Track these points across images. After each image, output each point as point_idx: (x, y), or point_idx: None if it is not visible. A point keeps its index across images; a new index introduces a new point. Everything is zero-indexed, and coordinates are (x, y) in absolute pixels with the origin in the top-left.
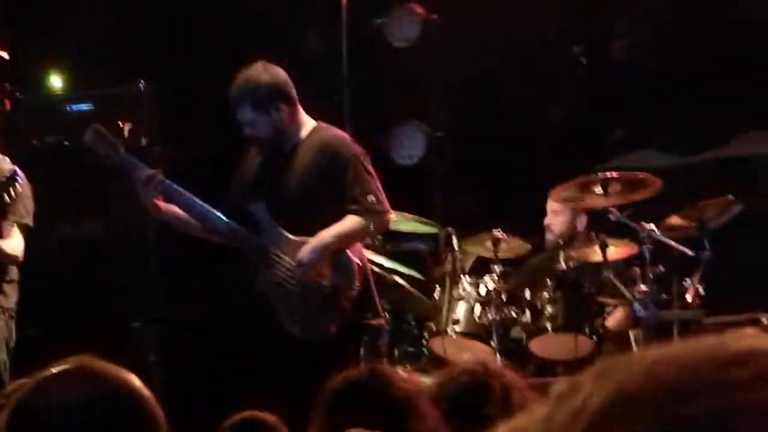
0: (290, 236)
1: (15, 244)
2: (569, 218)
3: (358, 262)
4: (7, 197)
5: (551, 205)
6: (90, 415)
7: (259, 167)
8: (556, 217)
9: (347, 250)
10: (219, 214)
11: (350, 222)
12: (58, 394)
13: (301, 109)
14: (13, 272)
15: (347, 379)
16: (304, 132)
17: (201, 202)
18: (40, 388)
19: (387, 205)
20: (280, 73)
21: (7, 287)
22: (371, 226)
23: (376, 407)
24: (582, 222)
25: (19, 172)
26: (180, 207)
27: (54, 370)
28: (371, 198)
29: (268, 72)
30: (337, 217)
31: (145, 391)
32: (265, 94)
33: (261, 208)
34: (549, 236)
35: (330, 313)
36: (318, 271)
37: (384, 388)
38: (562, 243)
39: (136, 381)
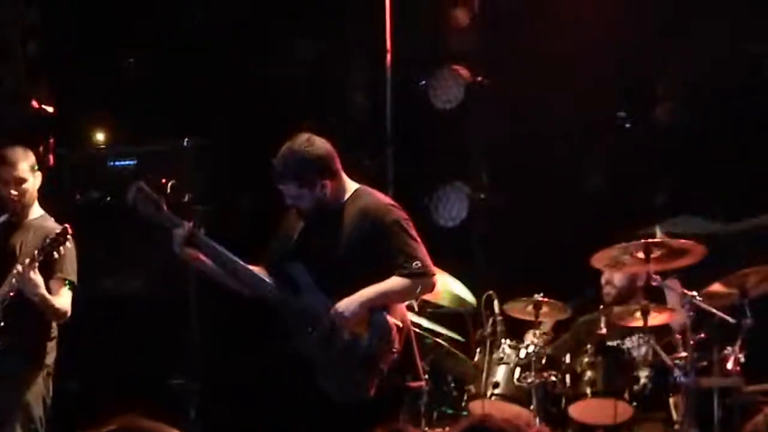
0: (328, 299)
1: (63, 301)
2: (630, 272)
3: (399, 324)
4: (55, 253)
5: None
6: None
7: (301, 230)
8: (616, 272)
9: (386, 314)
10: (260, 274)
11: (393, 281)
12: None
13: (343, 175)
14: (54, 330)
15: None
16: (346, 196)
17: (240, 261)
18: None
19: (432, 267)
20: (325, 147)
21: (48, 345)
22: (418, 289)
23: None
24: (642, 277)
25: (69, 230)
26: (218, 264)
27: (103, 430)
28: (416, 264)
29: (313, 146)
30: (378, 282)
31: None
32: (309, 171)
33: (300, 269)
34: (609, 290)
35: (368, 376)
36: (355, 325)
37: None
38: (621, 298)
39: None
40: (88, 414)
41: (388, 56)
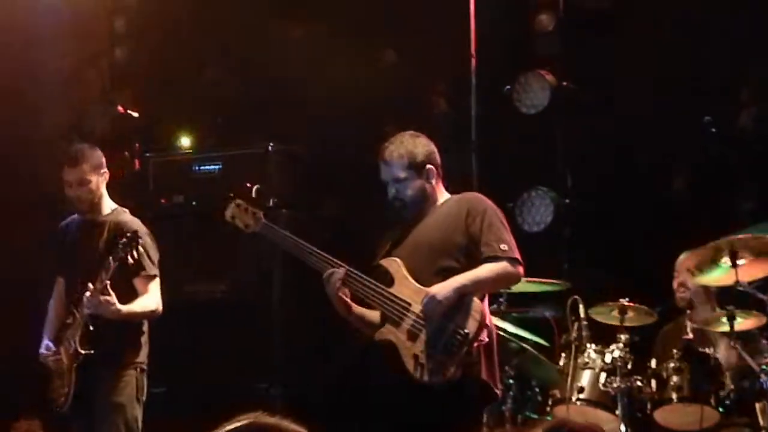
0: (420, 286)
1: (151, 299)
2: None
3: (488, 323)
4: (130, 258)
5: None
6: None
7: (398, 231)
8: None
9: (479, 300)
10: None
11: (483, 268)
12: None
13: (441, 183)
14: (144, 326)
15: None
16: (442, 200)
17: (333, 259)
18: None
19: (519, 256)
20: (432, 144)
21: (139, 342)
22: (507, 276)
23: None
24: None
25: (139, 232)
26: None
27: (229, 426)
28: (504, 246)
29: (422, 137)
30: (471, 269)
31: None
32: (421, 155)
33: (394, 261)
34: (683, 294)
35: (455, 357)
36: (447, 309)
37: None
38: (696, 303)
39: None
40: (175, 418)
41: (473, 61)
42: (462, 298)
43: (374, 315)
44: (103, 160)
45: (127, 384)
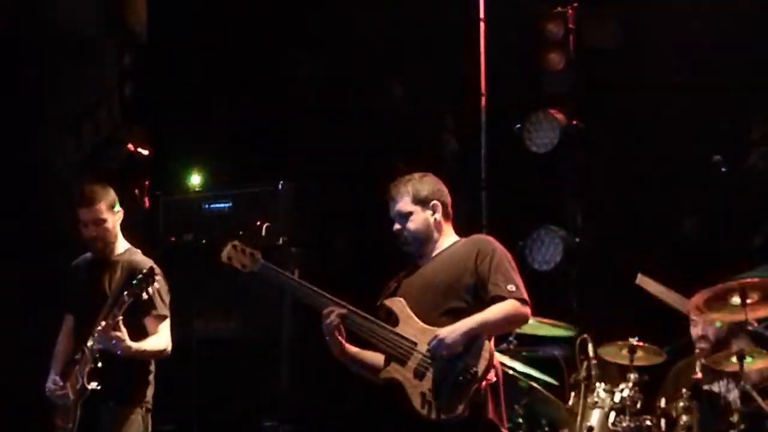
0: (426, 326)
1: (160, 339)
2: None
3: (495, 362)
4: (144, 294)
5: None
6: None
7: (404, 273)
8: (710, 326)
9: (487, 340)
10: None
11: (491, 309)
12: None
13: (450, 225)
14: (152, 365)
15: None
16: (449, 242)
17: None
18: None
19: (527, 298)
20: (441, 183)
21: (145, 381)
22: (515, 317)
23: None
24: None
25: (155, 269)
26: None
27: None
28: (511, 287)
29: (430, 177)
30: (478, 311)
31: None
32: (427, 191)
33: (400, 303)
34: (704, 345)
35: (464, 395)
36: (455, 352)
37: None
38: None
39: None
40: None
41: (483, 99)
42: (473, 340)
43: (370, 356)
44: (117, 199)
45: (132, 422)
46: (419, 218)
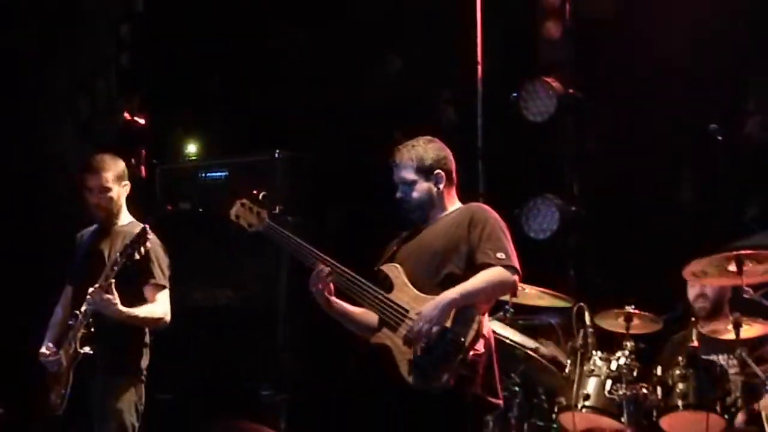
0: (419, 293)
1: (159, 307)
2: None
3: (485, 333)
4: (136, 254)
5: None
6: None
7: (402, 237)
8: (708, 286)
9: (476, 309)
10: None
11: (476, 277)
12: None
13: (454, 191)
14: (147, 336)
15: None
16: (452, 208)
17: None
18: None
19: (518, 265)
20: (447, 150)
21: (139, 351)
22: (501, 284)
23: None
24: (729, 290)
25: (149, 230)
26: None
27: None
28: (500, 254)
29: (436, 143)
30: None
31: None
32: (431, 159)
33: (394, 267)
34: (703, 303)
35: (450, 364)
36: (440, 325)
37: None
38: (713, 311)
39: None
40: (180, 424)
41: (480, 69)
42: (462, 309)
43: (361, 313)
44: (126, 171)
45: (125, 390)
46: (422, 187)
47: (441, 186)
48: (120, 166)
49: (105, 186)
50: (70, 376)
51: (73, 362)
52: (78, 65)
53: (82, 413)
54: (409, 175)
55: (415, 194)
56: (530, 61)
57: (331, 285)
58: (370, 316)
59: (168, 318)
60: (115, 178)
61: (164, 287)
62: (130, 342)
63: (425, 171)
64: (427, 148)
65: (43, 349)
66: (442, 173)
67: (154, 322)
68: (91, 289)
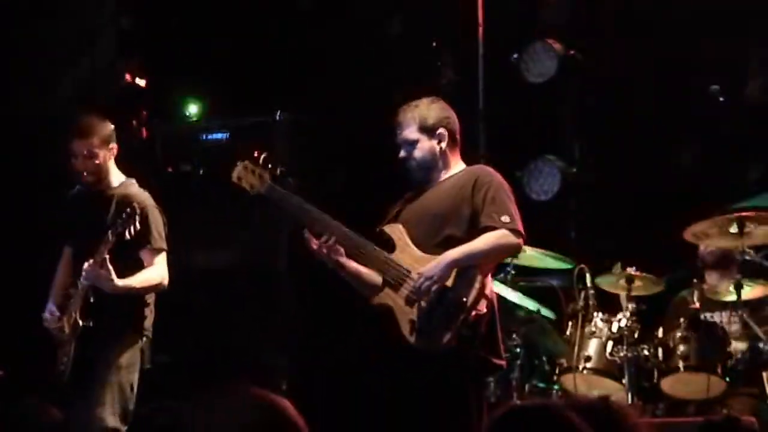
0: (422, 254)
1: (157, 271)
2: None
3: (488, 293)
4: (127, 234)
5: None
6: None
7: (407, 200)
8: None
9: (479, 269)
10: (359, 237)
11: (479, 239)
12: (217, 417)
13: (458, 152)
14: (149, 297)
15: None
16: (456, 170)
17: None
18: (201, 411)
19: (521, 228)
20: (450, 110)
21: (144, 310)
22: (504, 246)
23: None
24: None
25: (138, 208)
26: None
27: (213, 394)
28: (505, 218)
29: (439, 103)
30: (474, 238)
31: (300, 420)
32: (434, 118)
33: (397, 228)
34: (711, 250)
35: (452, 324)
36: (441, 282)
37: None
38: (720, 263)
39: (291, 408)
40: (178, 387)
41: (480, 30)
42: (465, 269)
43: (366, 273)
44: (113, 134)
45: (125, 349)
46: (425, 146)
47: (443, 145)
48: (107, 128)
49: (91, 152)
50: (73, 348)
51: (74, 332)
52: (78, 26)
53: (83, 384)
54: (412, 134)
55: (417, 153)
56: (531, 22)
57: (340, 248)
58: (377, 277)
59: (165, 282)
60: (100, 142)
61: (161, 250)
62: (131, 310)
63: (428, 130)
64: (430, 107)
65: (47, 314)
66: (445, 132)
67: (152, 288)
68: (86, 265)
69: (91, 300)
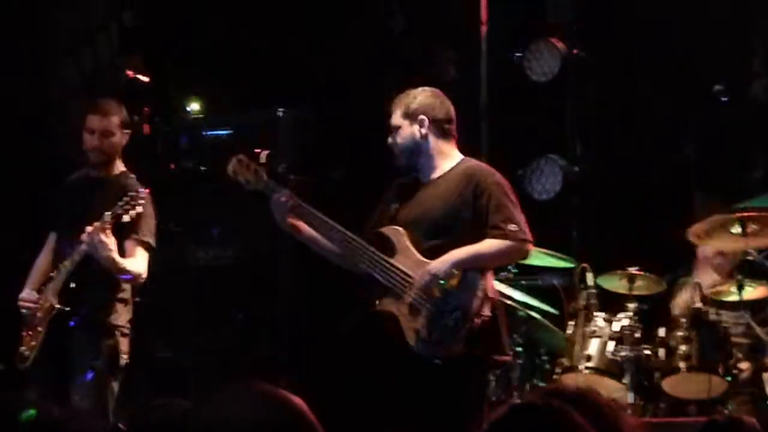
0: (423, 259)
1: (137, 263)
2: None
3: (491, 294)
4: (126, 216)
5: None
6: None
7: (403, 197)
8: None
9: (480, 273)
10: (358, 239)
11: (486, 243)
12: (228, 414)
13: (453, 144)
14: (126, 292)
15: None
16: (451, 164)
17: (338, 227)
18: (212, 407)
19: (528, 235)
20: (442, 100)
21: (118, 305)
22: (511, 253)
23: None
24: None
25: (141, 192)
26: (316, 230)
27: (223, 391)
28: (512, 226)
29: (429, 92)
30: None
31: (312, 417)
32: (417, 104)
33: (397, 231)
34: (722, 262)
35: (458, 336)
36: (446, 280)
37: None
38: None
39: (303, 405)
40: (181, 382)
41: (483, 28)
42: (464, 274)
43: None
44: (129, 120)
45: (105, 347)
46: (406, 132)
47: (425, 130)
48: (124, 113)
49: (109, 129)
50: (43, 331)
51: (47, 315)
52: (81, 22)
53: (53, 369)
54: (396, 120)
55: (399, 139)
56: (535, 21)
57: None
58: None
59: (144, 276)
60: (120, 123)
61: (146, 244)
62: (109, 299)
63: (410, 116)
64: (416, 94)
65: (24, 294)
66: (425, 118)
67: (135, 278)
68: (89, 228)
69: (72, 285)
